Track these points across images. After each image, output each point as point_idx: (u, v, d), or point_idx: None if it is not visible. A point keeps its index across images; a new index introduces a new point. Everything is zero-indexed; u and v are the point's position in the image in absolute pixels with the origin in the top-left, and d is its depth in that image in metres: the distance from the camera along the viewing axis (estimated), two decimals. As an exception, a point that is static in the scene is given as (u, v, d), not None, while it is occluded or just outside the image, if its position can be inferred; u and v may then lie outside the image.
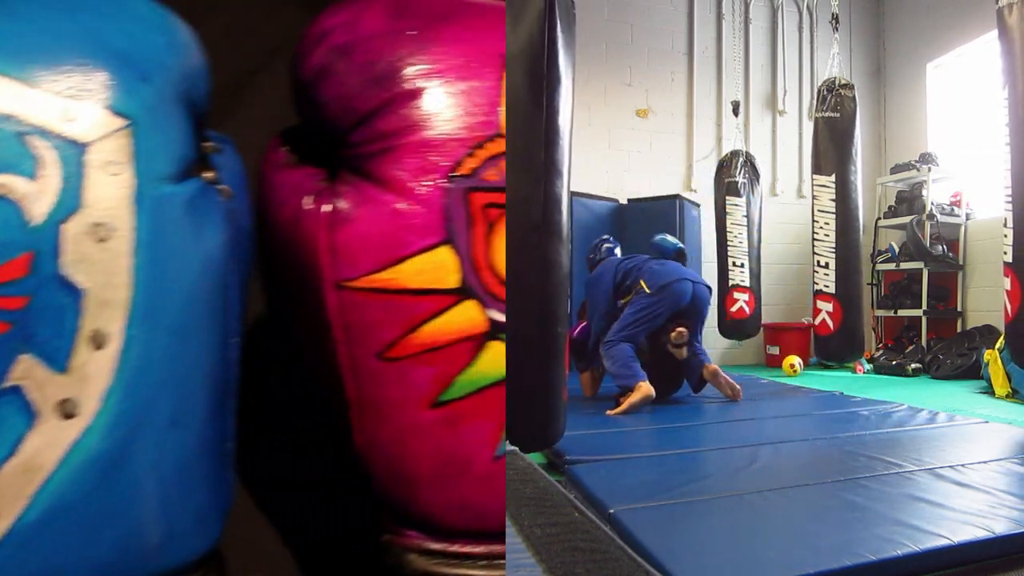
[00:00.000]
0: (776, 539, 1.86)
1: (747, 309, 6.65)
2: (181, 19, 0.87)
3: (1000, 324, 5.63)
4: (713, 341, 7.02)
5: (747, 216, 6.68)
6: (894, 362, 6.27)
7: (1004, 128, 3.74)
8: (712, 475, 2.50)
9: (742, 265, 6.66)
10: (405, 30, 0.87)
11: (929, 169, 6.76)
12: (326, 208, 0.87)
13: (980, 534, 1.81)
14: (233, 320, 0.88)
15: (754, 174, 6.69)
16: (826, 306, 5.99)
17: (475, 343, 0.87)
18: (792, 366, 6.29)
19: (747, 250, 6.69)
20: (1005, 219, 3.68)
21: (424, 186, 0.85)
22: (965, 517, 1.91)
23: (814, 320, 6.12)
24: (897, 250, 6.94)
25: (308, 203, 0.88)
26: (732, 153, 6.68)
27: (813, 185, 6.03)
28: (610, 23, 7.28)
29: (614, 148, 7.22)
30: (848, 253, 5.97)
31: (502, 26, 0.88)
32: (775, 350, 7.19)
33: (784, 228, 7.63)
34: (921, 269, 6.61)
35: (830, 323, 6.00)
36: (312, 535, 1.16)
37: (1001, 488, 2.19)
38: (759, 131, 7.71)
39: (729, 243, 6.70)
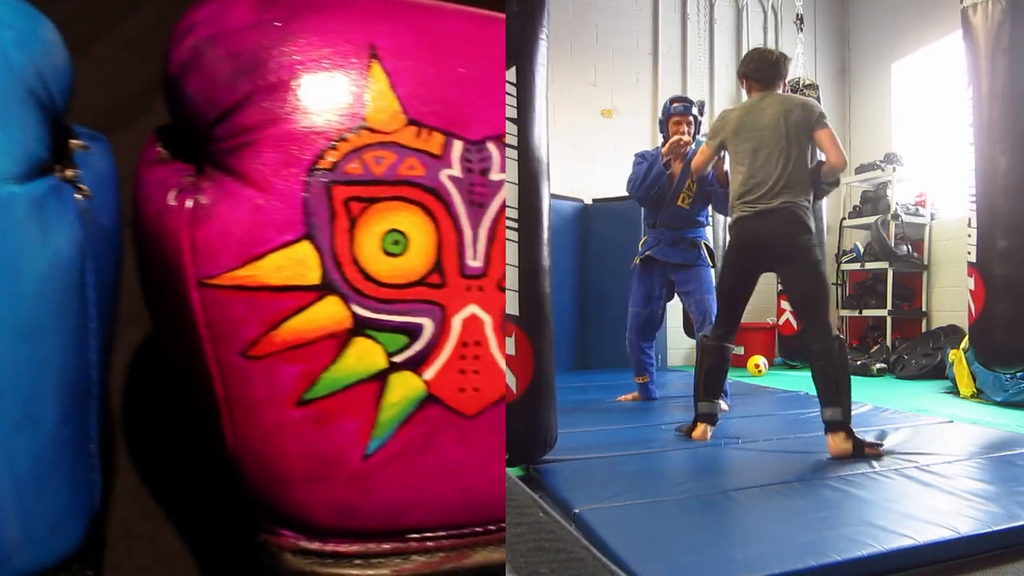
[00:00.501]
0: (741, 539, 1.87)
1: (711, 309, 6.63)
2: (48, 17, 0.85)
3: (965, 324, 5.67)
4: (678, 341, 7.03)
5: (711, 216, 6.66)
6: (859, 362, 6.29)
7: (968, 128, 3.77)
8: (678, 475, 2.50)
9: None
10: (270, 21, 0.86)
11: (894, 169, 6.79)
12: (188, 204, 0.86)
13: (945, 534, 1.81)
14: (94, 320, 0.86)
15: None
16: (789, 306, 5.99)
17: (339, 340, 0.86)
18: (757, 366, 6.31)
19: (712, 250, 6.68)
20: (969, 219, 3.72)
21: (284, 181, 0.84)
22: (930, 517, 1.92)
23: (778, 320, 6.13)
24: (862, 250, 6.97)
25: (171, 199, 0.87)
26: (696, 153, 6.66)
27: (778, 185, 6.01)
28: (574, 23, 7.28)
29: (579, 148, 7.21)
30: (814, 253, 5.97)
31: (373, 16, 0.87)
32: (740, 350, 7.19)
33: (749, 228, 7.64)
34: (886, 269, 6.64)
35: (794, 323, 6.01)
36: (206, 535, 1.15)
37: (966, 488, 2.20)
38: (724, 131, 7.71)
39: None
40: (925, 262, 6.69)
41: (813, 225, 2.75)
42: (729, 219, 2.92)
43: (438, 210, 0.87)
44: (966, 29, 3.78)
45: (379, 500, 0.89)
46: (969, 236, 3.63)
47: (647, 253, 3.85)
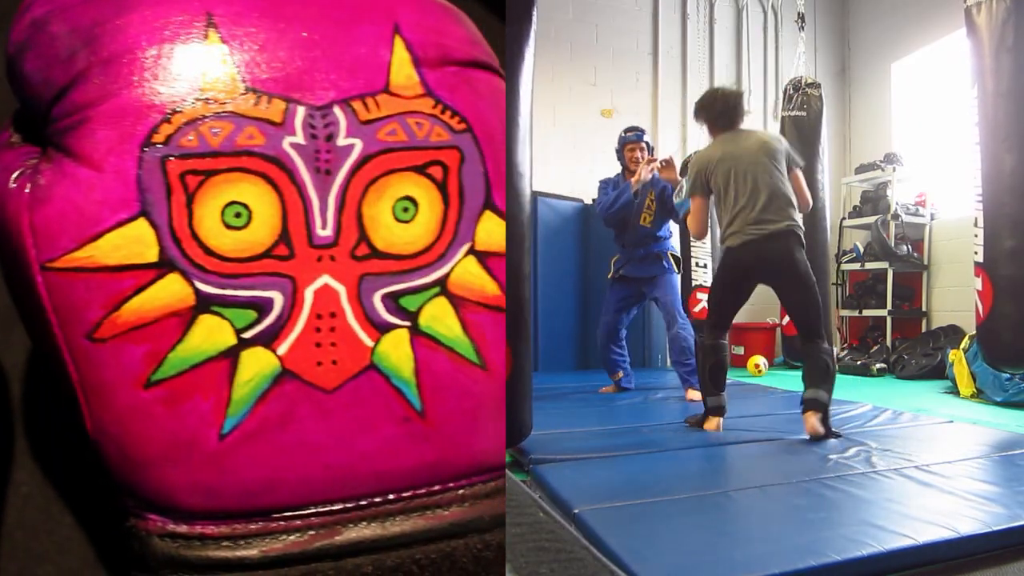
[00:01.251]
0: (741, 539, 1.85)
1: (712, 309, 6.60)
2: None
3: (965, 324, 5.62)
4: (680, 341, 6.99)
5: (710, 217, 6.64)
6: (859, 362, 6.24)
7: (974, 127, 3.74)
8: (677, 475, 2.49)
9: (705, 265, 6.64)
10: (103, -4, 0.84)
11: (894, 169, 6.74)
12: (27, 187, 0.84)
13: (945, 534, 1.80)
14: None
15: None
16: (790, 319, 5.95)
17: (183, 318, 0.84)
18: (757, 366, 6.27)
19: (710, 250, 6.66)
20: (976, 219, 3.68)
21: (118, 158, 0.82)
22: (930, 517, 1.90)
23: (781, 320, 6.08)
24: (862, 250, 6.92)
25: (12, 182, 0.85)
26: (696, 154, 6.65)
27: (779, 184, 5.99)
28: (575, 23, 7.27)
29: (579, 148, 7.20)
30: (815, 253, 5.95)
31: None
32: (740, 350, 7.16)
33: (749, 227, 7.60)
34: (886, 269, 6.59)
35: None
36: (94, 522, 1.14)
37: (966, 488, 2.18)
38: (724, 130, 7.68)
39: (692, 243, 6.67)
40: (925, 262, 6.64)
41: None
42: (724, 243, 3.11)
43: (281, 179, 0.85)
44: (970, 28, 3.74)
45: (240, 479, 0.87)
46: (976, 236, 3.59)
47: (620, 272, 4.35)
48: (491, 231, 0.94)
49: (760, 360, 6.34)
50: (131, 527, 0.91)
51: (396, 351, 0.89)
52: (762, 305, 7.56)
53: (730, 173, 3.04)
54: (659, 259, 4.25)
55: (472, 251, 0.92)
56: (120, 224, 0.83)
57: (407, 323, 0.90)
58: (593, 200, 7.05)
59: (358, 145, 0.88)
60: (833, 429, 2.91)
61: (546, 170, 6.48)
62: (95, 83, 0.83)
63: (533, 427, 2.66)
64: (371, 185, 0.88)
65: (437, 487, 0.93)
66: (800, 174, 3.04)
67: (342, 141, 0.87)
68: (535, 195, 6.18)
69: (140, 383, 0.85)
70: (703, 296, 6.69)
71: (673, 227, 6.86)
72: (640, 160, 4.27)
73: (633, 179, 4.18)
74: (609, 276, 4.45)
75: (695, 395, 3.75)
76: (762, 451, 2.83)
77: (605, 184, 4.51)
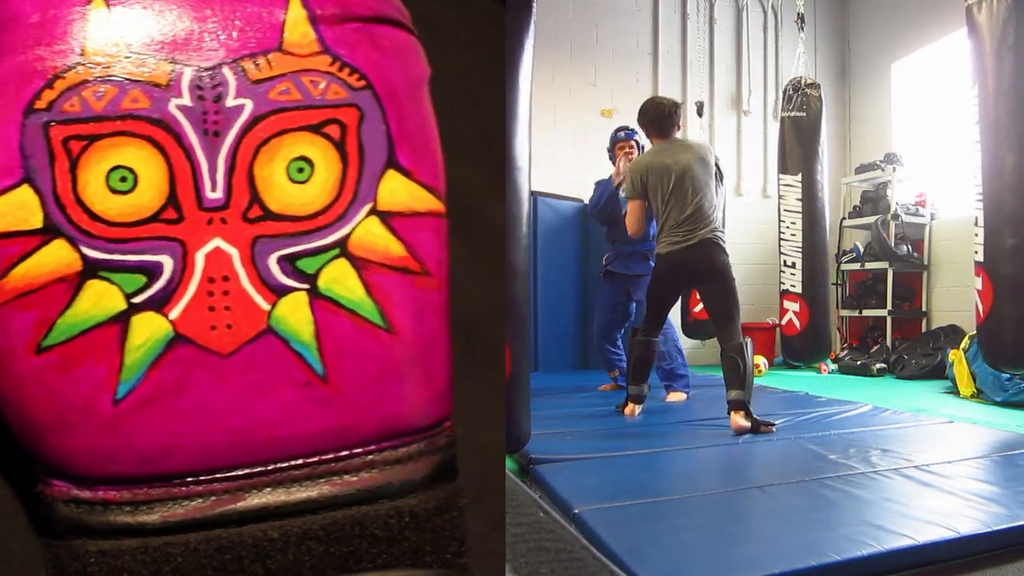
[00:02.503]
0: (742, 539, 1.84)
1: (712, 309, 6.58)
2: None
3: (965, 324, 5.57)
4: (679, 341, 6.96)
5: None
6: (859, 362, 6.20)
7: (974, 126, 3.71)
8: (677, 475, 2.48)
9: (709, 265, 6.60)
10: (-6, -38, 0.84)
11: (894, 169, 6.70)
12: (-83, 158, 0.84)
13: (945, 534, 1.78)
14: None
15: (718, 174, 6.63)
16: (793, 306, 5.93)
17: (69, 283, 0.83)
18: (756, 366, 6.23)
19: (660, 259, 6.63)
20: (976, 218, 3.64)
21: (1, 125, 0.82)
22: (930, 517, 1.89)
23: (780, 320, 6.06)
24: (862, 250, 6.88)
25: None
26: (696, 153, 6.63)
27: (779, 185, 5.99)
28: (575, 23, 7.28)
29: (579, 148, 7.18)
30: (815, 253, 5.92)
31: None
32: (741, 350, 7.12)
33: (748, 228, 7.57)
34: (886, 269, 6.54)
35: (797, 323, 5.94)
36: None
37: (966, 488, 2.16)
38: (724, 131, 7.67)
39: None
40: (925, 262, 6.60)
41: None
42: (658, 248, 3.32)
43: (167, 142, 0.84)
44: (971, 27, 3.72)
45: (137, 445, 0.86)
46: (976, 235, 3.56)
47: (608, 267, 4.37)
48: (395, 191, 0.92)
49: (760, 360, 6.31)
50: (38, 493, 0.91)
51: (294, 314, 0.88)
52: (762, 305, 7.51)
53: (659, 183, 3.27)
54: (645, 259, 4.23)
55: (374, 211, 0.91)
56: (4, 191, 0.83)
57: (305, 285, 0.88)
58: (593, 201, 7.07)
59: (248, 105, 0.86)
60: (762, 420, 3.04)
61: (546, 170, 6.47)
62: None
63: (534, 427, 2.64)
64: (263, 146, 0.87)
65: (344, 452, 0.92)
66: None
67: (231, 102, 0.86)
68: (535, 195, 6.18)
69: (31, 349, 0.85)
70: (704, 296, 6.66)
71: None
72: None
73: (614, 173, 4.31)
74: (600, 274, 4.51)
75: (675, 396, 4.04)
76: (762, 451, 2.80)
77: (598, 184, 4.58)
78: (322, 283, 0.89)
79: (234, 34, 0.87)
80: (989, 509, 1.96)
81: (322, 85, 0.89)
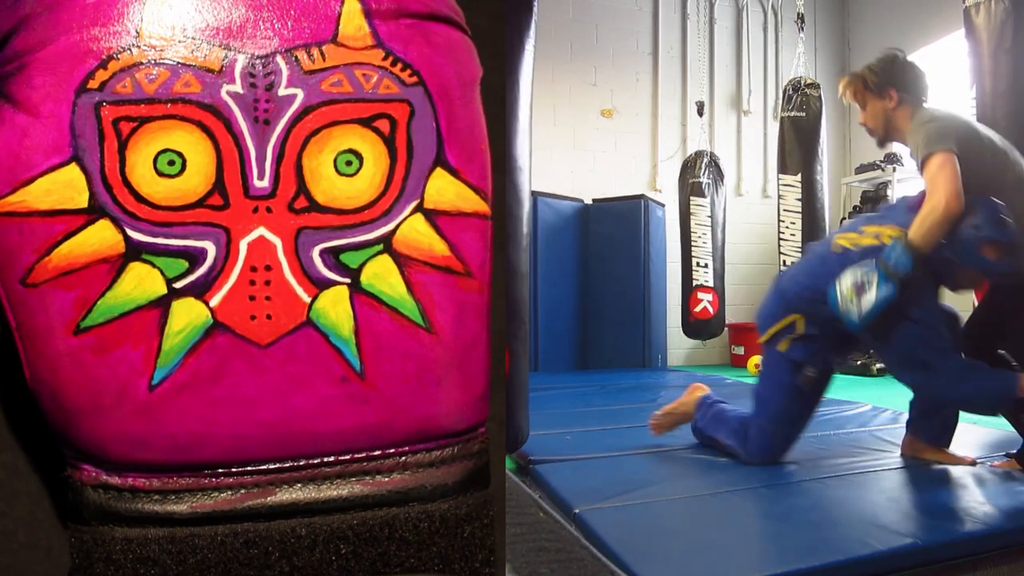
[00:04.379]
0: (743, 539, 1.86)
1: (711, 309, 6.63)
2: None
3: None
4: (678, 341, 7.00)
5: (711, 217, 6.66)
6: (859, 362, 6.24)
7: None
8: (678, 475, 2.50)
9: (706, 265, 6.64)
10: (49, -59, 0.83)
11: (894, 169, 6.75)
12: (-36, 134, 0.83)
13: (945, 534, 1.80)
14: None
15: (718, 175, 6.68)
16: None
17: (112, 264, 0.82)
18: (756, 366, 6.24)
19: (711, 250, 6.67)
20: None
21: (53, 103, 0.81)
22: (931, 517, 1.92)
23: (780, 320, 6.07)
24: (862, 250, 6.90)
25: None
26: (696, 154, 6.67)
27: (779, 185, 6.02)
28: (575, 23, 7.27)
29: (579, 148, 7.20)
30: (815, 252, 5.95)
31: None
32: (740, 350, 7.16)
33: (749, 228, 7.61)
34: (885, 269, 6.56)
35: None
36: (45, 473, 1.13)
37: (966, 488, 2.18)
38: (724, 131, 7.70)
39: (693, 243, 6.68)
40: (925, 262, 6.62)
41: None
42: None
43: (217, 128, 0.83)
44: (969, 28, 3.76)
45: (170, 432, 0.86)
46: None
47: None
48: (442, 189, 0.91)
49: (760, 360, 6.33)
50: (67, 477, 0.90)
51: (335, 308, 0.87)
52: (760, 306, 7.55)
53: None
54: None
55: (420, 208, 0.90)
56: (52, 169, 0.82)
57: (347, 280, 0.88)
58: (594, 200, 7.06)
59: (300, 95, 0.86)
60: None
61: (546, 170, 6.48)
62: (35, 30, 0.82)
63: (535, 427, 2.65)
64: (312, 136, 0.86)
65: (377, 452, 0.91)
66: None
67: (283, 91, 0.85)
68: (536, 195, 6.18)
69: (70, 329, 0.83)
70: (703, 296, 6.69)
71: (670, 227, 6.84)
72: None
73: None
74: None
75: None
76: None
77: None
78: (364, 278, 0.88)
79: (289, 23, 0.86)
80: (989, 509, 1.97)
81: (374, 79, 0.88)
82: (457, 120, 0.93)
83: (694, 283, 6.75)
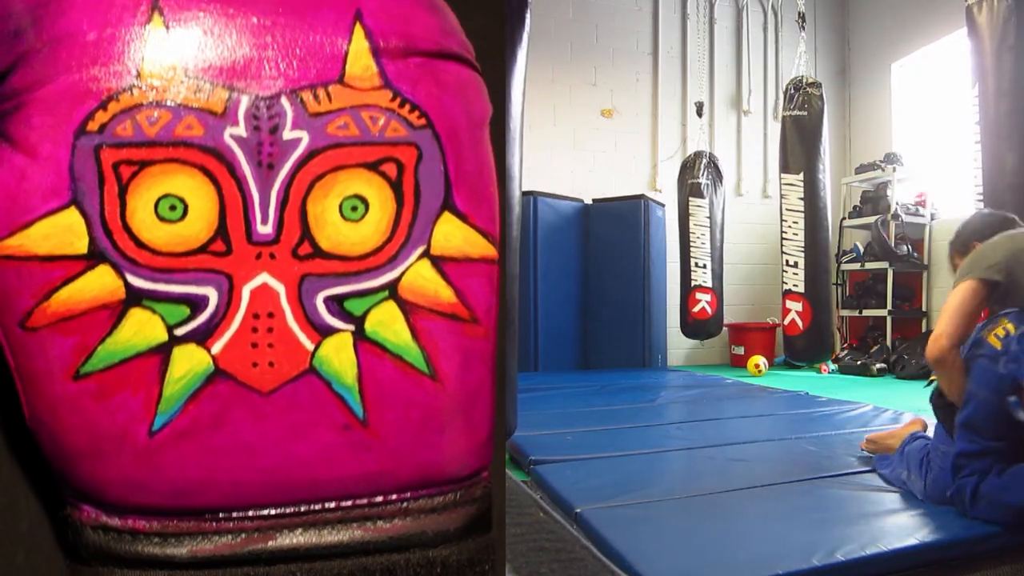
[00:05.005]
0: (743, 539, 1.87)
1: (709, 309, 6.65)
2: None
3: (966, 324, 5.59)
4: (678, 341, 7.00)
5: (710, 217, 6.67)
6: (859, 362, 6.27)
7: (975, 126, 3.77)
8: (679, 475, 2.51)
9: (704, 266, 6.65)
10: (51, -25, 0.81)
11: (894, 169, 6.76)
12: (-37, 174, 0.81)
13: (948, 534, 1.80)
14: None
15: (717, 175, 6.68)
16: (795, 306, 5.99)
17: (112, 311, 0.81)
18: (757, 366, 6.27)
19: (709, 251, 6.67)
20: None
21: (52, 145, 0.79)
22: (934, 517, 1.92)
23: (783, 320, 6.11)
24: (862, 250, 6.93)
25: None
26: (695, 154, 6.68)
27: (781, 184, 6.03)
28: (575, 23, 7.26)
29: (579, 148, 7.19)
30: (817, 252, 5.98)
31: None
32: (740, 350, 7.17)
33: (749, 228, 7.61)
34: (886, 269, 6.60)
35: (799, 323, 5.99)
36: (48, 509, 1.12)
37: None
38: (724, 131, 7.70)
39: (692, 244, 6.69)
40: (925, 262, 6.66)
41: None
42: None
43: (220, 172, 0.81)
44: (971, 26, 3.76)
45: (170, 477, 0.85)
46: None
47: None
48: (449, 234, 0.90)
49: (760, 360, 6.34)
50: (67, 516, 0.89)
51: (338, 356, 0.86)
52: (762, 305, 7.55)
53: None
54: None
55: (427, 254, 0.89)
56: (50, 213, 0.80)
57: (351, 327, 0.86)
58: (594, 200, 7.05)
59: (305, 138, 0.84)
60: None
61: (546, 170, 6.48)
62: (34, 67, 0.80)
63: (535, 427, 2.64)
64: (317, 181, 0.84)
65: (379, 498, 0.90)
66: None
67: (288, 134, 0.83)
68: (535, 195, 6.17)
69: (69, 375, 0.82)
70: (702, 296, 6.69)
71: (670, 227, 6.83)
72: None
73: None
74: None
75: None
76: (762, 451, 2.82)
77: None
78: (369, 325, 0.87)
79: (295, 63, 0.84)
80: (990, 510, 1.97)
81: (381, 121, 0.86)
82: (466, 162, 0.91)
83: (692, 283, 6.75)
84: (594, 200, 7.06)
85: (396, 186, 0.86)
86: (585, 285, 6.90)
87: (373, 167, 0.85)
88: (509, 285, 2.35)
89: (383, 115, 0.86)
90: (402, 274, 0.87)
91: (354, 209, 0.86)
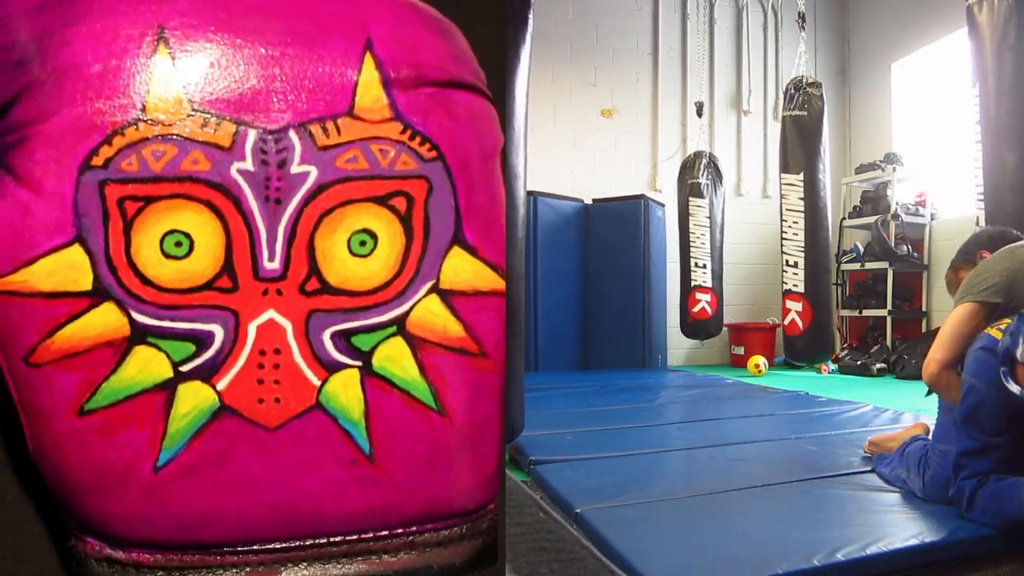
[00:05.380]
0: (743, 539, 1.87)
1: (709, 309, 6.64)
2: None
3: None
4: (678, 341, 6.99)
5: (710, 217, 6.66)
6: (859, 362, 6.27)
7: (975, 126, 3.77)
8: (679, 475, 2.51)
9: (704, 266, 6.64)
10: (54, 5, 0.79)
11: (894, 169, 6.75)
12: (-34, 208, 0.80)
13: (948, 534, 1.80)
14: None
15: (717, 175, 6.67)
16: (795, 306, 5.98)
17: (116, 348, 0.79)
18: (757, 366, 6.27)
19: (709, 251, 6.66)
20: (977, 217, 3.72)
21: (56, 180, 0.77)
22: (934, 517, 1.92)
23: (783, 320, 6.11)
24: (862, 250, 6.93)
25: None
26: (695, 154, 6.66)
27: (781, 184, 6.02)
28: (575, 23, 7.24)
29: (579, 148, 7.18)
30: (817, 252, 5.97)
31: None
32: (740, 350, 7.17)
33: (749, 228, 7.60)
34: (886, 269, 6.60)
35: (799, 323, 5.99)
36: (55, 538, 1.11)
37: None
38: (724, 131, 7.68)
39: (692, 244, 6.68)
40: (925, 262, 6.65)
41: None
42: None
43: (226, 208, 0.80)
44: (972, 26, 3.76)
45: (175, 513, 0.84)
46: None
47: None
48: (459, 268, 0.88)
49: (760, 360, 6.34)
50: (71, 547, 0.89)
51: (345, 391, 0.85)
52: (762, 305, 7.54)
53: None
54: None
55: (436, 289, 0.87)
56: (55, 250, 0.78)
57: (358, 363, 0.85)
58: (594, 200, 7.04)
59: (313, 173, 0.82)
60: None
61: (546, 170, 6.47)
62: (37, 99, 0.78)
63: (535, 427, 2.64)
64: (325, 216, 0.83)
65: (385, 532, 0.89)
66: None
67: (296, 168, 0.82)
68: (535, 195, 6.16)
69: (74, 411, 0.81)
70: (702, 296, 6.68)
71: (670, 227, 6.82)
72: None
73: None
74: None
75: None
76: (762, 451, 2.81)
77: None
78: (376, 361, 0.86)
79: (303, 96, 0.82)
80: (990, 510, 1.97)
81: (391, 154, 0.85)
82: (476, 195, 0.89)
83: (692, 283, 6.75)
84: (594, 200, 7.05)
85: (405, 220, 0.85)
86: (585, 285, 6.89)
87: (382, 201, 0.84)
88: (515, 286, 2.35)
89: (393, 148, 0.84)
90: (410, 309, 0.86)
91: (363, 244, 0.85)
